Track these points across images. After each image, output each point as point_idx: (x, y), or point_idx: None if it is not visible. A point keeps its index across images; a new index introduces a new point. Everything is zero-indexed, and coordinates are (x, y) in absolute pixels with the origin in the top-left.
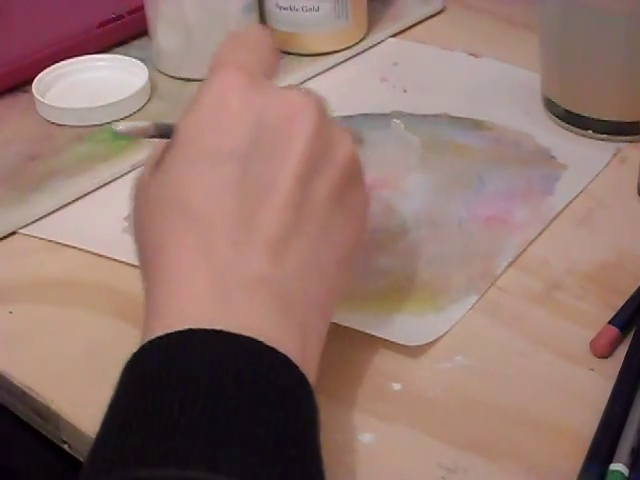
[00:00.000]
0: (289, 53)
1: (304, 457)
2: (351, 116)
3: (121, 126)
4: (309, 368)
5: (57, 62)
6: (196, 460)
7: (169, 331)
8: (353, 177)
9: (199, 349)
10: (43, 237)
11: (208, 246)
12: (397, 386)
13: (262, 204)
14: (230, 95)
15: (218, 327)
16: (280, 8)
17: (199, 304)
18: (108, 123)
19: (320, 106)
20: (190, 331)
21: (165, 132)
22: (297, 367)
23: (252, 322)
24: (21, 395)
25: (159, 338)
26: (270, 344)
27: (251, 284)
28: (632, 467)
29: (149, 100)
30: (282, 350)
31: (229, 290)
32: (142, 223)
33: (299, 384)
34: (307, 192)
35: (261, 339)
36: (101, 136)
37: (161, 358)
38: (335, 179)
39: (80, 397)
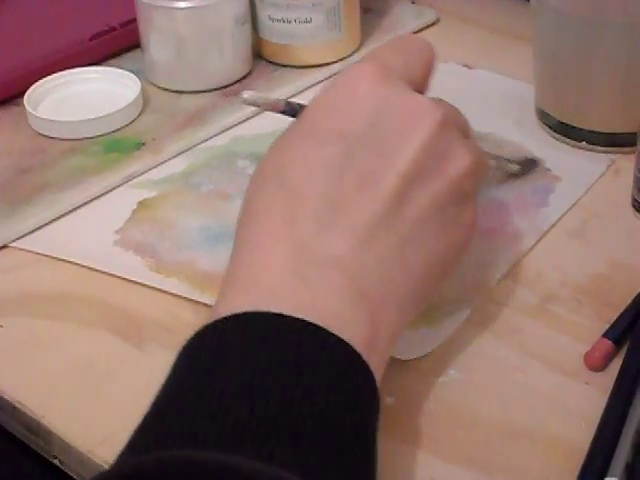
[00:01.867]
0: (282, 65)
1: (355, 456)
2: None
3: (247, 94)
4: (375, 359)
5: (49, 75)
6: (244, 448)
7: (238, 302)
8: (461, 193)
9: (258, 334)
10: (34, 250)
11: (295, 219)
12: (390, 400)
13: (358, 191)
14: (360, 83)
15: (286, 303)
16: (273, 20)
17: (274, 275)
18: (100, 136)
19: (448, 118)
20: (249, 314)
21: (296, 111)
22: (359, 355)
23: (322, 301)
24: (12, 410)
25: (218, 322)
26: (335, 329)
27: (328, 264)
28: None
29: (142, 112)
30: (346, 334)
31: (305, 265)
32: (248, 191)
33: (359, 373)
34: (408, 193)
35: (327, 321)
36: (93, 149)
37: (219, 342)
38: (441, 190)
39: (72, 412)
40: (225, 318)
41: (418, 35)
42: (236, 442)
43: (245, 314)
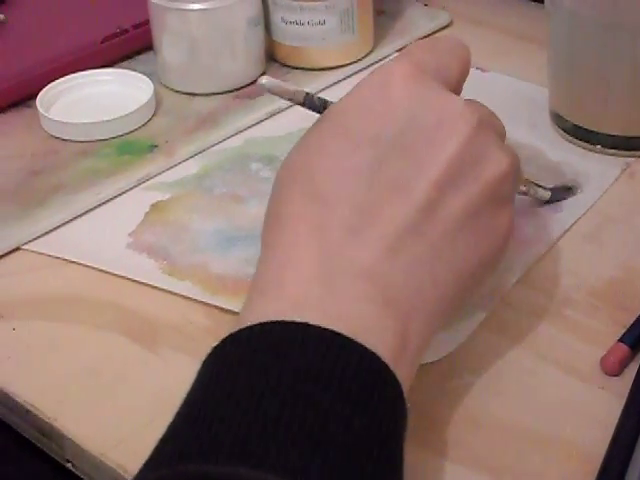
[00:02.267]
0: (295, 67)
1: (384, 467)
2: None
3: (266, 80)
4: (403, 369)
5: (61, 77)
6: (269, 462)
7: (265, 310)
8: (497, 198)
9: (284, 344)
10: (47, 253)
11: (323, 226)
12: None
13: (389, 199)
14: (393, 82)
15: (313, 312)
16: (286, 22)
17: (302, 283)
18: (112, 138)
19: (483, 120)
20: (276, 324)
21: (317, 105)
22: (387, 366)
23: (349, 311)
24: (24, 413)
25: (245, 330)
26: (362, 339)
27: (357, 272)
28: None
29: (154, 115)
30: (374, 345)
31: (334, 274)
32: (273, 192)
33: (388, 384)
34: (441, 200)
35: (355, 331)
36: (105, 151)
37: (244, 351)
38: (475, 195)
39: (84, 415)
40: (251, 327)
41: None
42: (262, 454)
43: (272, 323)
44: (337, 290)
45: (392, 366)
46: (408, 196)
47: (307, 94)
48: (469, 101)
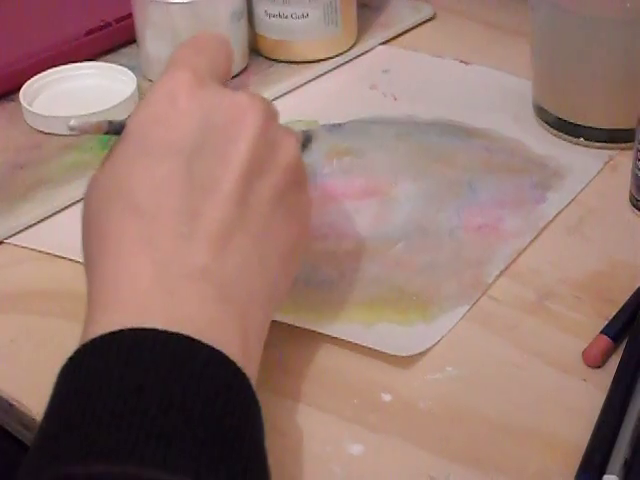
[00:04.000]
0: (278, 60)
1: (240, 454)
2: (340, 124)
3: (73, 121)
4: (249, 361)
5: (44, 70)
6: (127, 456)
7: (110, 321)
8: (296, 180)
9: (133, 350)
10: (30, 247)
11: (151, 237)
12: (387, 397)
13: (205, 199)
14: (179, 93)
15: (158, 318)
16: (269, 15)
17: (140, 294)
18: None
19: (266, 109)
20: (125, 331)
21: (119, 129)
22: (234, 362)
23: (192, 313)
24: (8, 407)
25: (95, 339)
26: (208, 337)
27: (193, 275)
28: (625, 478)
29: None
30: (220, 342)
31: (170, 281)
32: (89, 214)
33: (235, 379)
34: (250, 191)
35: (200, 332)
36: (89, 145)
37: (96, 360)
38: (278, 181)
39: None
40: (101, 336)
41: (413, 31)
42: (126, 454)
43: (120, 331)
44: (176, 294)
45: (239, 362)
46: (220, 195)
47: (109, 122)
48: (249, 93)
